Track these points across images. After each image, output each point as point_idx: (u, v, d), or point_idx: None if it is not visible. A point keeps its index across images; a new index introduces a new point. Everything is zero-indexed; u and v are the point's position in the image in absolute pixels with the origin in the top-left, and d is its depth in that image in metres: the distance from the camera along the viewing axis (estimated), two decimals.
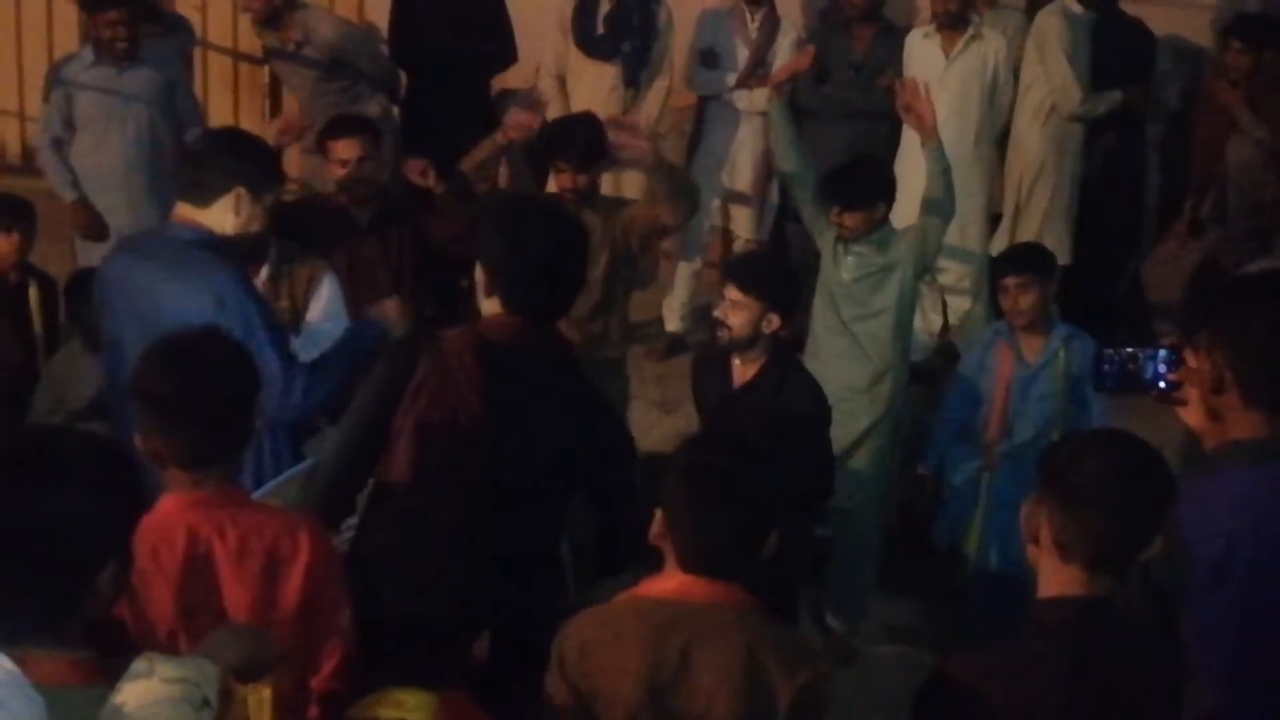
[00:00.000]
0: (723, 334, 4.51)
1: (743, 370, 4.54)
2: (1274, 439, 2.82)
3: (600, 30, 6.81)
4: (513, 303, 3.27)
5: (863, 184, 5.34)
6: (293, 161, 8.06)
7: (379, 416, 3.28)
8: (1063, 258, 6.65)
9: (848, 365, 5.27)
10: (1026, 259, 5.33)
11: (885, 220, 5.31)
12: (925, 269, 5.45)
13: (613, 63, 6.80)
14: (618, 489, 3.40)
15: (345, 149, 5.34)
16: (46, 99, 6.59)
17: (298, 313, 4.71)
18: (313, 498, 3.28)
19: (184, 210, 3.92)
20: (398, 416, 3.24)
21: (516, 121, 5.85)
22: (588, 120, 5.67)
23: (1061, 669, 2.54)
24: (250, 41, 7.58)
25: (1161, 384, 2.95)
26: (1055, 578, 2.59)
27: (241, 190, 3.85)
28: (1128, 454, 2.61)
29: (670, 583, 2.85)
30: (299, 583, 2.82)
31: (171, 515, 2.82)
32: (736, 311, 4.47)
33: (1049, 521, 2.58)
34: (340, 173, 5.35)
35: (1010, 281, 5.16)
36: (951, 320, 6.93)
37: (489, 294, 3.30)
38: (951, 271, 6.77)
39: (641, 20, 6.82)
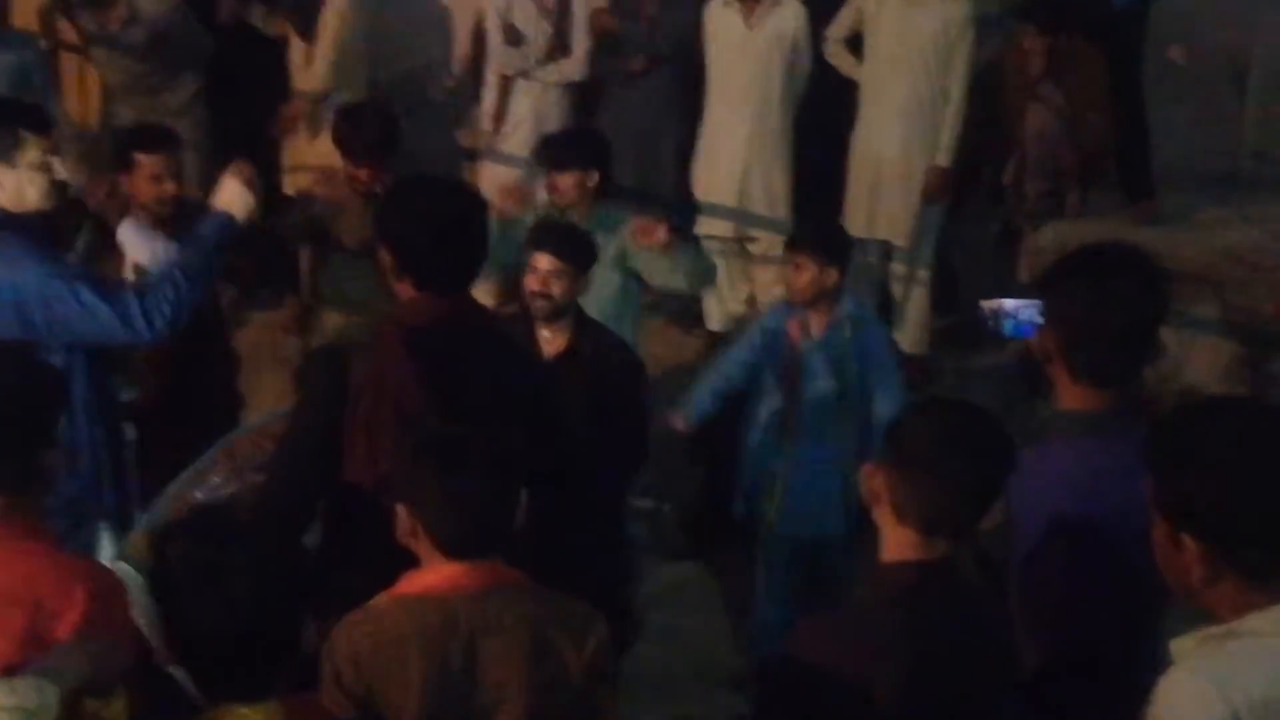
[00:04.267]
0: (543, 305, 4.43)
1: (553, 340, 4.47)
2: (1098, 413, 2.89)
3: None
4: (423, 281, 3.25)
5: (576, 145, 5.30)
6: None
7: (318, 424, 3.22)
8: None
9: None
10: (807, 238, 5.23)
11: (598, 195, 5.22)
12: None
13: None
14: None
15: (155, 164, 4.90)
16: None
17: None
18: (268, 511, 3.18)
19: None
20: (347, 422, 3.19)
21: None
22: (376, 107, 5.56)
23: (900, 632, 2.56)
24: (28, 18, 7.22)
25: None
26: (894, 541, 2.62)
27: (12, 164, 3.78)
28: (962, 422, 2.64)
29: (435, 575, 2.80)
30: (67, 639, 2.60)
31: None
32: (557, 280, 4.43)
33: (886, 485, 2.60)
34: (151, 191, 4.90)
35: (790, 258, 5.11)
36: (758, 293, 6.96)
37: (399, 276, 3.27)
38: (762, 241, 6.82)
39: None
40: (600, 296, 4.95)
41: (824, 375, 5.07)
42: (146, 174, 4.89)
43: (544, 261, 4.46)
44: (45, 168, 3.83)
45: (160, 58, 6.50)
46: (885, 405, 4.95)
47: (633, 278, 5.27)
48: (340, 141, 5.24)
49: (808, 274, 4.99)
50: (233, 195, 3.97)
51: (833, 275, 5.02)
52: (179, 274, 3.85)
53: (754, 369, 5.23)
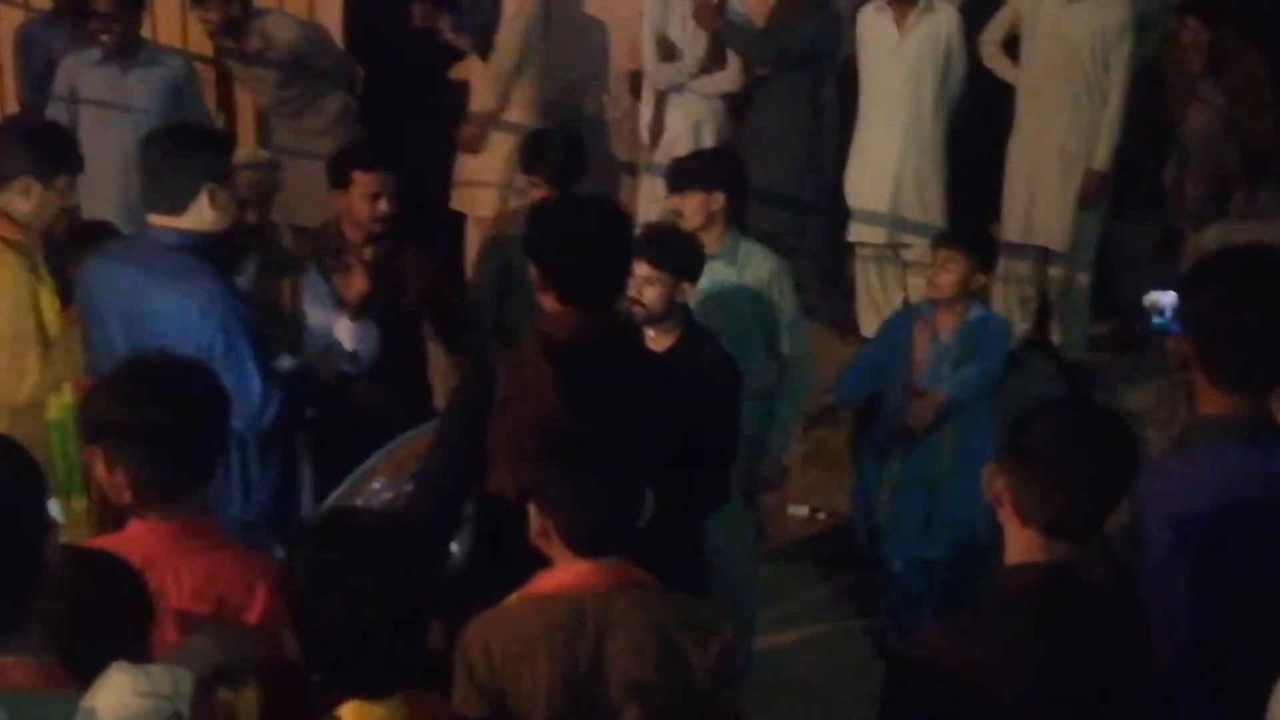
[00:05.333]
0: (638, 310, 4.38)
1: (658, 342, 4.41)
2: (1237, 419, 2.84)
3: None
4: (568, 295, 3.36)
5: (699, 164, 5.11)
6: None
7: (467, 435, 3.34)
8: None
9: None
10: (960, 235, 5.19)
11: (728, 217, 4.95)
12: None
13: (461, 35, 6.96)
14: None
15: (371, 182, 4.98)
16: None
17: (283, 321, 4.68)
18: (421, 521, 3.30)
19: (159, 218, 3.89)
20: (491, 432, 3.30)
21: None
22: (563, 133, 5.64)
23: (1025, 634, 2.54)
24: (201, 40, 7.51)
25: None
26: (1017, 543, 2.59)
27: (211, 185, 3.84)
28: (1084, 421, 2.60)
29: (565, 574, 2.87)
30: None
31: (134, 543, 2.76)
32: (650, 287, 4.36)
33: (1007, 486, 2.58)
34: (366, 209, 4.98)
35: (939, 254, 5.06)
36: (913, 299, 6.89)
37: (544, 290, 3.38)
38: (915, 247, 6.76)
39: None
40: (725, 329, 4.64)
41: (944, 381, 5.00)
42: (362, 191, 4.97)
43: (640, 268, 4.34)
44: (223, 189, 3.91)
45: (299, 81, 6.65)
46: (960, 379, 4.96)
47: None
48: (528, 166, 5.31)
49: (956, 272, 4.96)
50: (345, 336, 4.16)
51: (980, 279, 4.98)
52: (302, 382, 3.97)
53: (883, 370, 5.19)
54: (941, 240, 5.17)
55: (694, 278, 4.46)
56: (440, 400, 5.14)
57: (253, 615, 2.73)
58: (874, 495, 5.18)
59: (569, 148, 5.34)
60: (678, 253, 4.47)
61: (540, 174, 5.24)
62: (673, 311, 4.42)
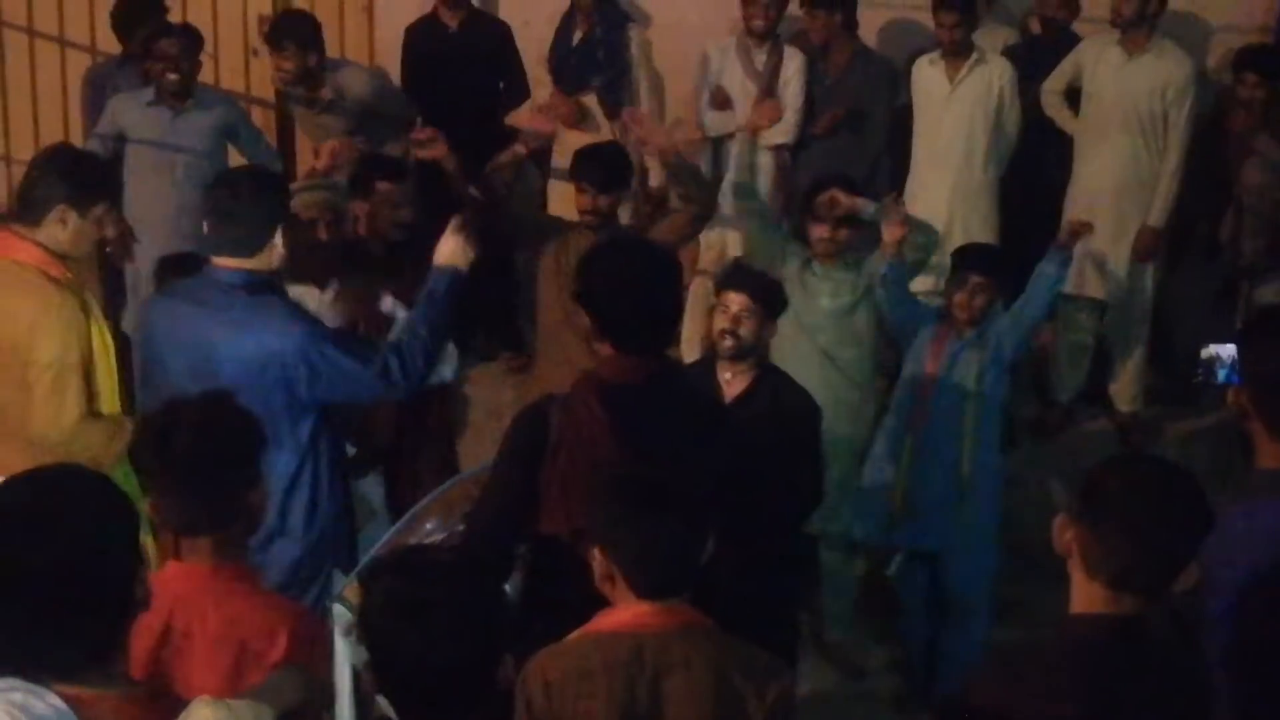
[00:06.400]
0: (729, 344, 4.52)
1: (733, 383, 4.55)
2: None
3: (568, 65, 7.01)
4: (620, 343, 3.40)
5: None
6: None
7: (520, 477, 3.39)
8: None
9: (828, 394, 5.12)
10: (991, 260, 5.43)
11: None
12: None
13: (584, 97, 6.96)
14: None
15: (393, 192, 5.35)
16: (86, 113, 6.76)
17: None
18: (467, 557, 3.34)
19: (226, 259, 3.97)
20: (544, 474, 3.34)
21: (533, 132, 6.05)
22: (613, 146, 5.79)
23: (1083, 687, 2.54)
24: (262, 85, 7.63)
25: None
26: (1082, 593, 2.60)
27: (281, 226, 3.95)
28: (1156, 479, 2.59)
29: (625, 614, 2.90)
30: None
31: (166, 583, 2.81)
32: (747, 320, 4.51)
33: (1076, 538, 2.59)
34: (388, 216, 5.35)
35: (973, 279, 5.24)
36: None
37: (598, 338, 3.43)
38: None
39: (608, 55, 6.94)
40: (854, 330, 5.42)
41: (962, 376, 5.19)
42: (384, 200, 5.30)
43: (736, 301, 4.55)
44: (286, 229, 4.01)
45: (362, 131, 6.69)
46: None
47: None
48: (580, 175, 5.44)
49: (983, 295, 5.19)
50: (454, 250, 4.10)
51: (1002, 297, 5.21)
52: (423, 328, 3.98)
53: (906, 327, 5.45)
54: (979, 266, 5.31)
55: (778, 317, 4.63)
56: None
57: (272, 660, 2.76)
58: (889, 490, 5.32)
59: (617, 157, 5.56)
60: (771, 289, 4.64)
61: (588, 181, 5.38)
62: (757, 349, 4.51)
